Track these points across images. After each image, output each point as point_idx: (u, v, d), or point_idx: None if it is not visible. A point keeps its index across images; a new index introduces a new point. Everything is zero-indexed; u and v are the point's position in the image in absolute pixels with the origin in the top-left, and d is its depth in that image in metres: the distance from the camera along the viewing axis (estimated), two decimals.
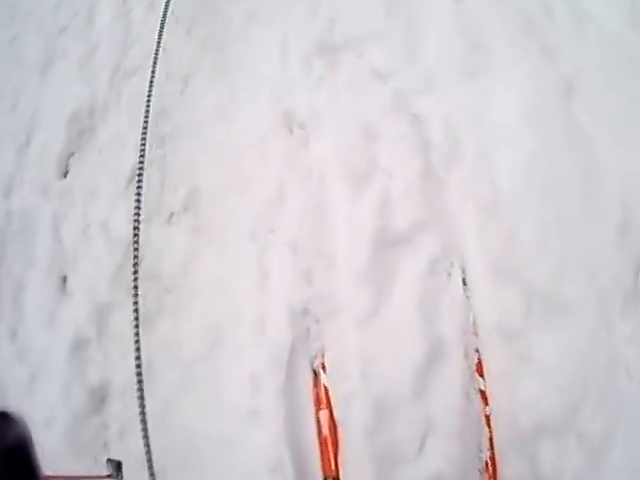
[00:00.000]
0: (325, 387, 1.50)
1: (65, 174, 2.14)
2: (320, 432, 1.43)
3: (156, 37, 1.72)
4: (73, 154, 2.13)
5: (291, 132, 1.76)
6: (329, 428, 1.43)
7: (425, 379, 1.47)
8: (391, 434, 1.44)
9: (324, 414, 1.44)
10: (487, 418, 1.41)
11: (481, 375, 1.46)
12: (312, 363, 1.52)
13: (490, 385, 1.46)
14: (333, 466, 1.40)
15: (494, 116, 1.62)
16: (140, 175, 1.27)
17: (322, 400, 1.48)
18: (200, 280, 1.70)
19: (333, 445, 1.40)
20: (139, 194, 1.28)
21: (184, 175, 1.83)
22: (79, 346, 1.84)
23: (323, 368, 1.51)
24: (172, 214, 1.81)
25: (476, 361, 1.48)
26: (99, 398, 1.78)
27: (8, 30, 2.54)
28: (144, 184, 1.90)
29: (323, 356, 1.52)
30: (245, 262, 1.65)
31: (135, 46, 2.19)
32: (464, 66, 1.72)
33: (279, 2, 2.02)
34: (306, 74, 1.82)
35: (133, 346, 1.76)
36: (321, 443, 1.40)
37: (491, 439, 1.39)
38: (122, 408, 1.72)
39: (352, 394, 1.47)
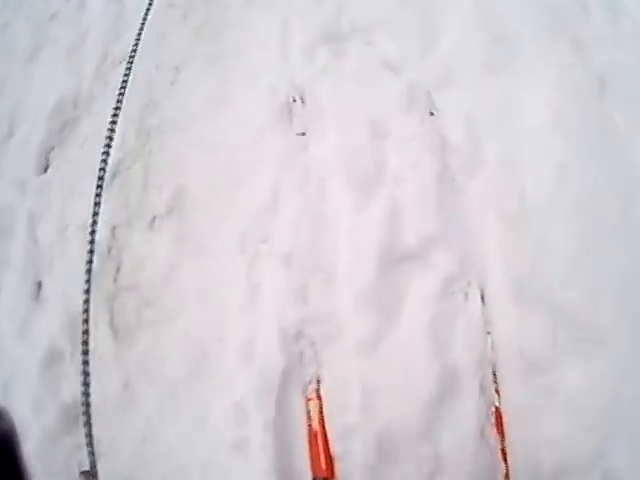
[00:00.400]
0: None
1: (45, 169, 1.91)
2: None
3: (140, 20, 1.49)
4: (54, 148, 1.90)
5: (290, 128, 1.52)
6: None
7: (435, 414, 1.24)
8: (395, 474, 1.22)
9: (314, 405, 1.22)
10: (503, 452, 1.21)
11: (498, 408, 1.24)
12: (306, 391, 1.29)
13: (509, 419, 1.24)
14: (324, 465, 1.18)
15: (520, 115, 1.38)
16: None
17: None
18: (183, 293, 1.47)
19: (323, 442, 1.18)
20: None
21: (170, 173, 1.60)
22: (53, 359, 1.62)
23: (319, 398, 1.28)
24: (155, 218, 1.57)
25: (494, 393, 1.25)
26: (73, 416, 1.55)
27: None
28: (125, 182, 1.69)
29: (319, 384, 1.29)
30: (233, 275, 1.42)
31: (126, 33, 1.95)
32: (486, 59, 1.47)
33: None
34: (308, 64, 1.58)
35: (111, 361, 1.56)
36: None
37: (507, 475, 1.17)
38: (98, 428, 1.51)
39: (352, 428, 1.25)
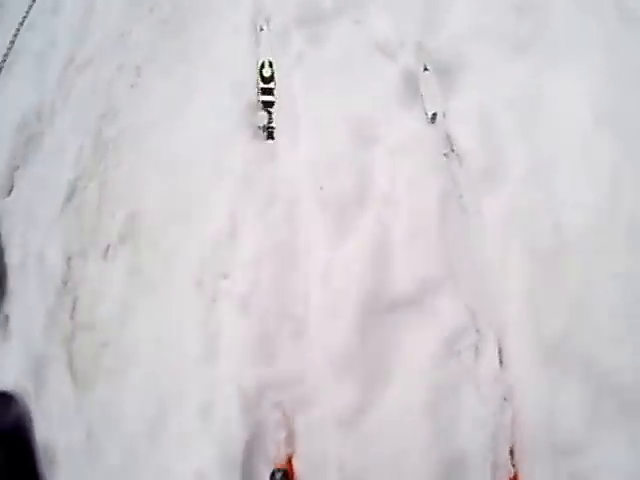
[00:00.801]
0: None
1: (9, 191, 1.70)
2: None
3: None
4: (18, 167, 1.67)
5: (254, 135, 1.20)
6: None
7: None
8: None
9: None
10: None
11: None
12: (274, 468, 1.01)
13: None
14: None
15: (553, 109, 0.99)
16: None
17: None
18: (138, 337, 1.21)
19: None
20: None
21: (124, 194, 1.33)
22: None
23: (287, 476, 0.99)
24: (109, 247, 1.31)
25: None
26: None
27: None
28: (81, 203, 1.44)
29: (290, 461, 1.00)
30: (190, 320, 1.14)
31: (93, 34, 1.69)
32: (507, 36, 1.09)
33: None
34: (281, 51, 1.24)
35: (73, 406, 1.37)
36: None
37: None
38: (65, 476, 1.32)
39: None
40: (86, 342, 1.32)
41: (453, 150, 1.01)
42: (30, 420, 0.48)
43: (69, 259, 1.41)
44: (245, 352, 1.03)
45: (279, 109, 1.19)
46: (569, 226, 0.90)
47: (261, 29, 1.32)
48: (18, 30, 1.08)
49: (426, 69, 1.11)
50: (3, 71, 1.89)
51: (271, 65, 1.31)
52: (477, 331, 0.94)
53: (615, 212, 0.89)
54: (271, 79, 1.29)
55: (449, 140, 1.02)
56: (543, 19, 1.09)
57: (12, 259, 1.52)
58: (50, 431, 1.32)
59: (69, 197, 1.46)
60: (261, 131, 1.20)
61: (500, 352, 0.96)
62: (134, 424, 1.21)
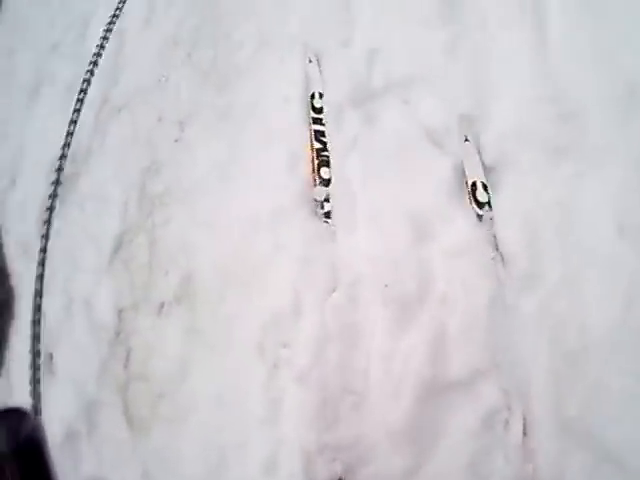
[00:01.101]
0: None
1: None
2: None
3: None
4: (54, 208, 1.64)
5: (315, 214, 1.26)
6: None
7: None
8: None
9: None
10: None
11: None
12: None
13: None
14: None
15: (584, 217, 1.12)
16: None
17: None
18: (197, 392, 1.31)
19: None
20: None
21: (176, 254, 1.38)
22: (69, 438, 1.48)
23: None
24: (163, 304, 1.38)
25: None
26: None
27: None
28: (130, 257, 1.47)
29: None
30: (251, 379, 1.26)
31: (126, 72, 1.62)
32: (549, 140, 1.19)
33: (299, 25, 1.42)
34: (336, 131, 1.28)
35: (128, 449, 1.42)
36: None
37: None
38: None
39: None
40: (141, 391, 1.40)
41: (498, 250, 1.12)
42: (44, 435, 0.49)
43: (120, 311, 1.46)
44: (306, 417, 1.15)
45: (337, 191, 1.25)
46: (592, 328, 1.06)
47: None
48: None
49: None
50: (31, 96, 1.80)
51: (321, 96, 1.35)
52: (508, 408, 1.10)
53: (631, 319, 1.05)
54: (321, 110, 1.33)
55: (495, 242, 1.13)
56: (582, 126, 1.19)
57: (54, 301, 1.54)
58: (103, 470, 1.40)
59: (116, 249, 1.50)
60: (319, 208, 1.26)
61: (525, 425, 1.12)
62: (193, 468, 1.31)
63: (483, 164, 1.23)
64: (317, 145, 1.32)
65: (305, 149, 1.27)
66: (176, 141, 1.50)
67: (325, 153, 1.31)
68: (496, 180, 1.20)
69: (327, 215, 1.28)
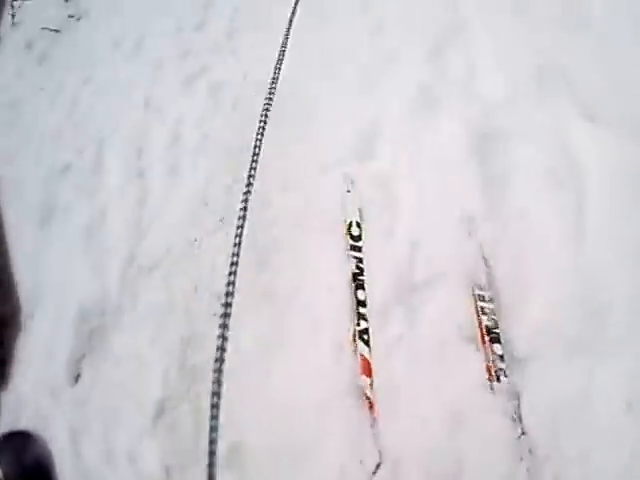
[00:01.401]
0: None
1: (76, 378, 1.66)
2: None
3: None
4: (84, 355, 1.62)
5: (357, 404, 1.32)
6: None
7: None
8: None
9: None
10: None
11: None
12: None
13: None
14: None
15: (601, 402, 1.24)
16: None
17: None
18: None
19: None
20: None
21: (223, 424, 1.39)
22: None
23: None
24: None
25: None
26: None
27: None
28: (174, 424, 1.48)
29: None
30: None
31: (153, 228, 1.59)
32: (573, 336, 1.29)
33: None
34: (381, 330, 1.33)
35: None
36: None
37: None
38: None
39: None
40: None
41: (524, 433, 1.24)
42: (51, 459, 0.48)
43: (168, 468, 1.47)
44: None
45: (380, 390, 1.31)
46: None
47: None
48: None
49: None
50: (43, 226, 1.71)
51: (359, 225, 1.39)
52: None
53: None
54: (359, 237, 1.38)
55: (522, 426, 1.24)
56: (603, 324, 1.29)
57: (93, 450, 1.53)
58: None
59: (159, 414, 1.51)
60: (363, 397, 1.32)
61: None
62: None
63: (512, 356, 1.34)
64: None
65: (349, 343, 1.33)
66: (215, 315, 1.51)
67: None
68: (524, 371, 1.31)
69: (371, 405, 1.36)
